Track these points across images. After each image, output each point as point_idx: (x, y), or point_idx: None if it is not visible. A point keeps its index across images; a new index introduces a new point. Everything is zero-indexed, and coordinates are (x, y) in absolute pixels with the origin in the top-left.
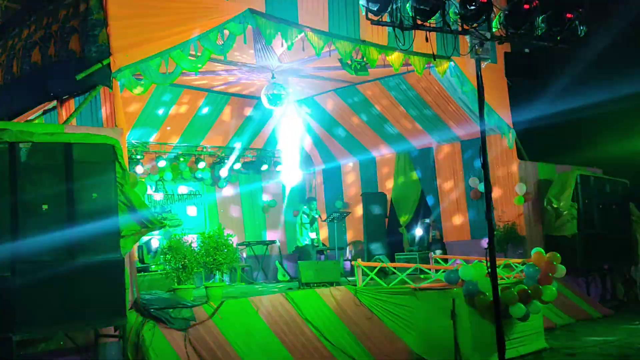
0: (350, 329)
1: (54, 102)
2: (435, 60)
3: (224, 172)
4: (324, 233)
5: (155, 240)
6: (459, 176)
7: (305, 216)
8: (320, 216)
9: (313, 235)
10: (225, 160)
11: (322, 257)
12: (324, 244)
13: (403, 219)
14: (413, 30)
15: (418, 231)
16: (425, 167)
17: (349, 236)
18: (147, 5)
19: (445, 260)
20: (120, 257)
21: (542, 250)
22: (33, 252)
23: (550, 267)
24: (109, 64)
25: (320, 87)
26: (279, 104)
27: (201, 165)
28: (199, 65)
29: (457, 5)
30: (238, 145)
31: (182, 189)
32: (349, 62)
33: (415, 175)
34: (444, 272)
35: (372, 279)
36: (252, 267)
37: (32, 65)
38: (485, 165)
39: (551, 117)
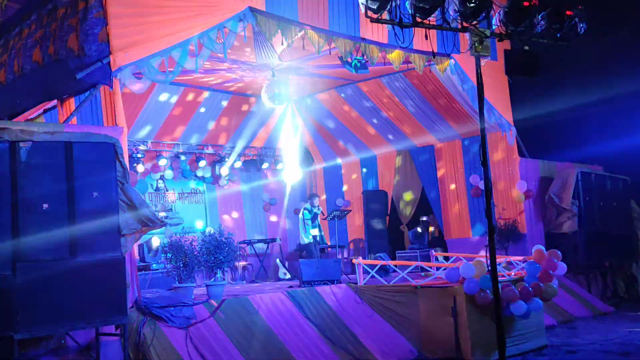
0: (351, 327)
1: (55, 101)
2: (435, 57)
3: (224, 171)
4: (324, 231)
5: (156, 238)
6: (460, 174)
7: (307, 212)
8: (322, 213)
9: (315, 232)
10: (226, 159)
11: (322, 254)
12: (325, 242)
13: (404, 217)
14: (413, 28)
15: (419, 229)
16: (426, 165)
17: (350, 234)
18: (147, 3)
19: (446, 258)
20: (121, 256)
21: (543, 248)
22: (34, 251)
23: (551, 265)
24: (109, 63)
25: (320, 85)
26: (279, 102)
27: (202, 163)
28: (200, 63)
29: (457, 3)
30: (239, 144)
31: (183, 188)
32: (349, 60)
33: (416, 172)
34: (444, 269)
35: (373, 276)
36: (253, 265)
37: (33, 65)
38: (485, 163)
39: (552, 114)
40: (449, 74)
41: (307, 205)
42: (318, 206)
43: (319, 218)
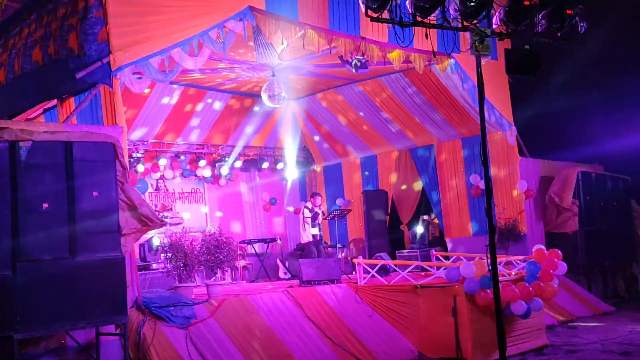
0: (351, 327)
1: (54, 101)
2: (435, 57)
3: (224, 170)
4: (324, 231)
5: (156, 238)
6: (460, 173)
7: (308, 211)
8: (322, 213)
9: (315, 231)
10: (226, 158)
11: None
12: (325, 242)
13: (404, 217)
14: (413, 27)
15: (419, 228)
16: (426, 165)
17: (350, 234)
18: (146, 3)
19: (447, 258)
20: (121, 255)
21: (544, 247)
22: (34, 251)
23: (551, 264)
24: (109, 62)
25: (320, 85)
26: (279, 102)
27: (202, 163)
28: (200, 62)
29: (457, 2)
30: (239, 143)
31: (183, 187)
32: (350, 59)
33: (416, 172)
34: (445, 269)
35: (373, 276)
36: (253, 265)
37: (33, 65)
38: (485, 162)
39: (552, 114)
40: (449, 73)
41: (309, 204)
42: (320, 206)
43: (320, 218)
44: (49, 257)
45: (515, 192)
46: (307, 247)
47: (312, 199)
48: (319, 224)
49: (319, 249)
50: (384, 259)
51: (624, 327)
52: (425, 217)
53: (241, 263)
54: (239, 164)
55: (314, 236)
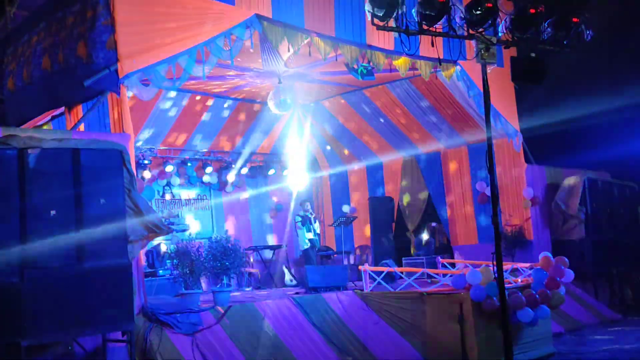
0: (357, 334)
1: (62, 108)
2: (441, 64)
3: (231, 177)
4: (331, 238)
5: (162, 245)
6: (466, 180)
7: (299, 217)
8: (312, 216)
9: (310, 235)
10: (233, 165)
11: (329, 260)
12: (330, 248)
13: (410, 224)
14: (419, 35)
15: (425, 236)
16: (432, 172)
17: (356, 241)
18: (154, 11)
19: (453, 265)
20: (127, 262)
21: (550, 255)
22: (41, 258)
23: (558, 272)
24: (116, 70)
25: (326, 92)
26: (285, 109)
27: (208, 170)
28: (207, 70)
29: (463, 10)
30: (245, 150)
31: (189, 194)
32: (356, 66)
33: (422, 179)
34: (451, 276)
35: (379, 283)
36: (259, 271)
37: (42, 72)
38: (491, 170)
39: (558, 121)
40: (455, 80)
41: (301, 212)
42: (311, 211)
43: (313, 222)
44: (57, 264)
45: (522, 203)
46: (305, 253)
47: (300, 205)
48: (313, 228)
49: (315, 253)
50: (390, 266)
51: (632, 335)
52: (433, 224)
53: (247, 270)
54: (245, 170)
55: (310, 240)
